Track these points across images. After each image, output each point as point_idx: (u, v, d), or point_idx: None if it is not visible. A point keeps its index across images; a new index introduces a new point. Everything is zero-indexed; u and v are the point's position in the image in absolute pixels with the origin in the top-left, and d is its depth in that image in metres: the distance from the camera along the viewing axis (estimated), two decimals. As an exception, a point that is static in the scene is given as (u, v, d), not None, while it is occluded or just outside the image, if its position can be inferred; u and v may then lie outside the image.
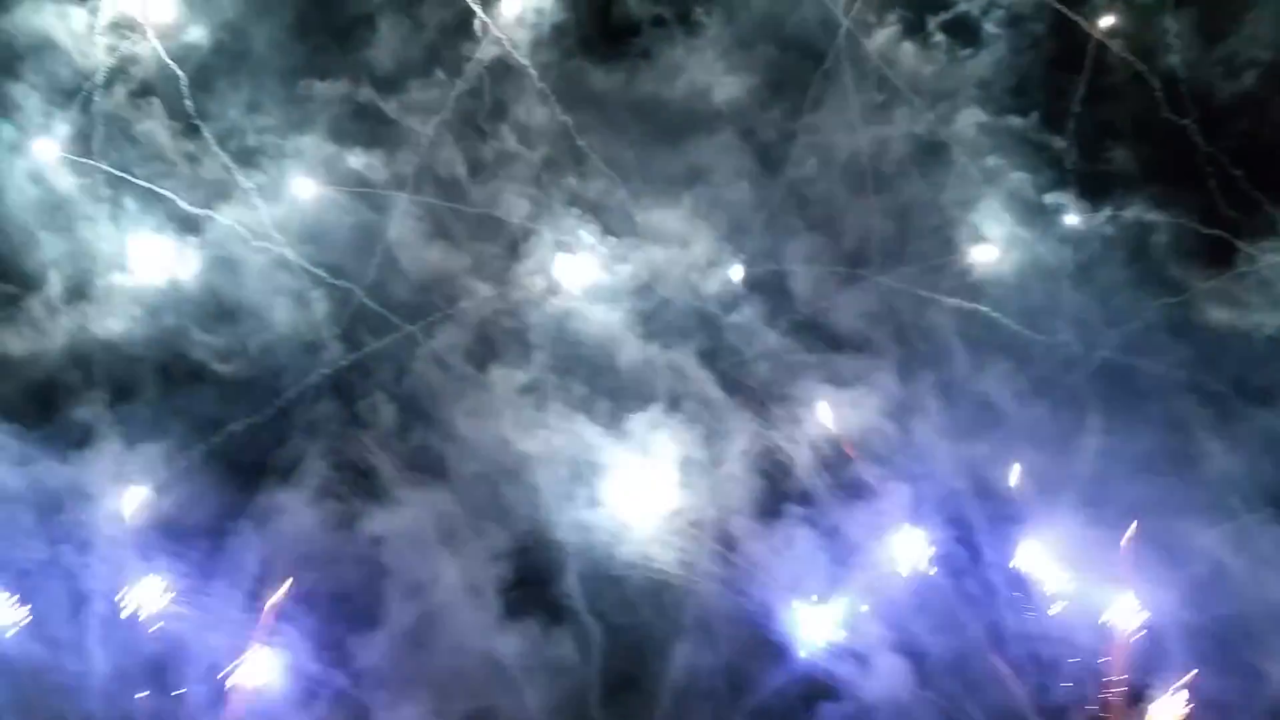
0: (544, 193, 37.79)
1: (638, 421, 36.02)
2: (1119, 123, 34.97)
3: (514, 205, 37.99)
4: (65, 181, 35.78)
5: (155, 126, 36.11)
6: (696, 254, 37.41)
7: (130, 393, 35.81)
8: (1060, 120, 35.14)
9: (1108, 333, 35.44)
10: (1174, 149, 34.07)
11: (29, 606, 33.03)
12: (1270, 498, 33.85)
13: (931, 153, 36.53)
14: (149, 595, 33.54)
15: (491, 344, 37.76)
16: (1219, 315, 34.78)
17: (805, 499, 35.62)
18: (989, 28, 35.78)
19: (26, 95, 35.31)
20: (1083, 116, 34.94)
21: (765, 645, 34.45)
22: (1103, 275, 35.32)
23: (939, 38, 35.98)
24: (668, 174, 37.33)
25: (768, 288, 37.37)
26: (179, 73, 35.75)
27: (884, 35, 36.09)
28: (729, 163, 37.14)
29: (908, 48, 36.04)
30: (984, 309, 35.61)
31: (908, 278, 36.31)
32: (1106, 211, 35.35)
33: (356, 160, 37.39)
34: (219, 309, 36.65)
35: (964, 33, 36.05)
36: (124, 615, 33.33)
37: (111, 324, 35.82)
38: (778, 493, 35.80)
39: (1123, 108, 34.92)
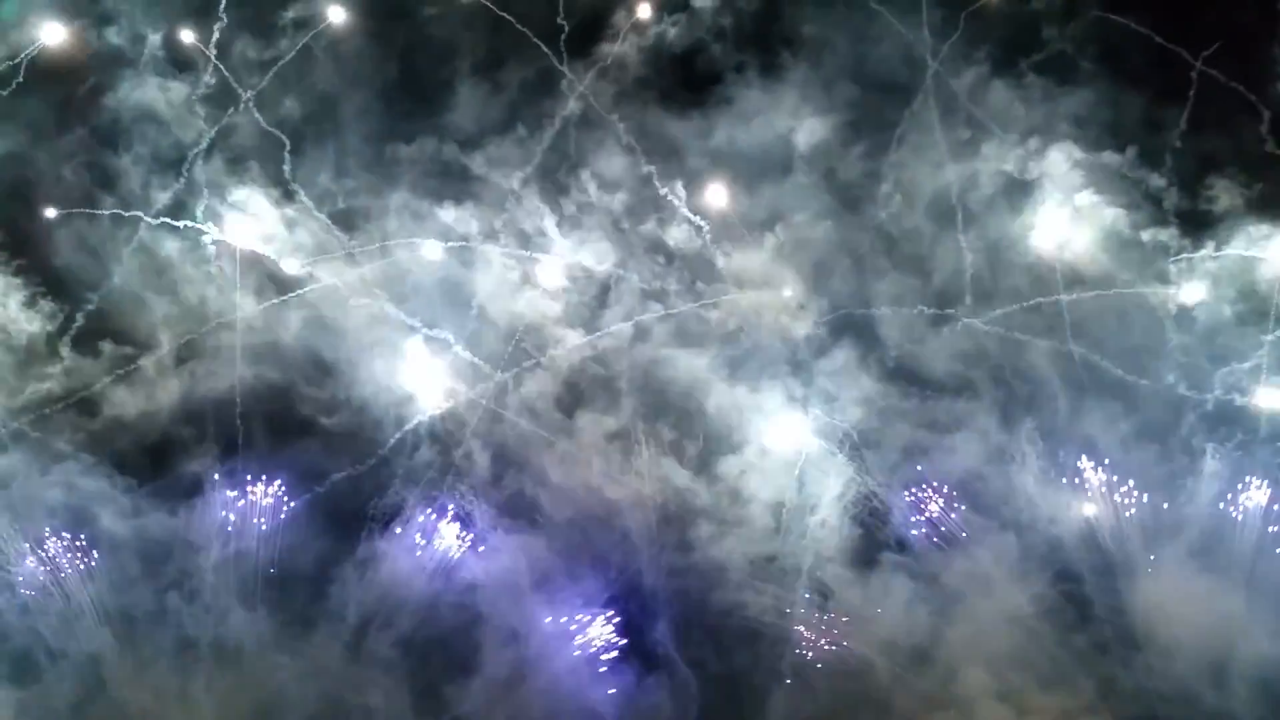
0: (628, 240, 38.16)
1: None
2: (1222, 155, 33.52)
3: (601, 253, 38.52)
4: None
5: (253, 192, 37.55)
6: (785, 297, 37.27)
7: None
8: (1160, 154, 33.95)
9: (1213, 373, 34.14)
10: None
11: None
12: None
13: (1024, 191, 35.56)
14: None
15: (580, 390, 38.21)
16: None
17: (902, 547, 35.07)
18: (1085, 64, 34.83)
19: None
20: (1183, 150, 33.71)
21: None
22: (1204, 313, 34.00)
23: (1030, 77, 35.08)
24: (753, 218, 37.32)
25: (857, 329, 36.91)
26: (282, 138, 37.10)
27: (974, 74, 35.44)
28: (814, 204, 36.88)
29: (998, 85, 35.24)
30: (1080, 350, 34.63)
31: (1001, 320, 35.48)
32: (1208, 249, 34.06)
33: (447, 215, 38.18)
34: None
35: (1059, 69, 35.13)
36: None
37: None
38: (874, 541, 35.46)
39: (1227, 139, 33.53)
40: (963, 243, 35.47)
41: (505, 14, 36.48)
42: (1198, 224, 33.78)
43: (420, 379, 37.82)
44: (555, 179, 37.98)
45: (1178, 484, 33.87)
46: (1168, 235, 34.00)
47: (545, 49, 36.85)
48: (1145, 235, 34.23)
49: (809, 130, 36.55)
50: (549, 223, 38.17)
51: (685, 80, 37.06)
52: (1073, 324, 34.32)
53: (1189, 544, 33.68)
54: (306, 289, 37.76)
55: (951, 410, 35.55)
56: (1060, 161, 34.49)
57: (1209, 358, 33.99)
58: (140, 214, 36.69)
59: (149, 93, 36.45)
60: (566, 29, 36.70)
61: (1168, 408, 34.30)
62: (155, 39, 36.37)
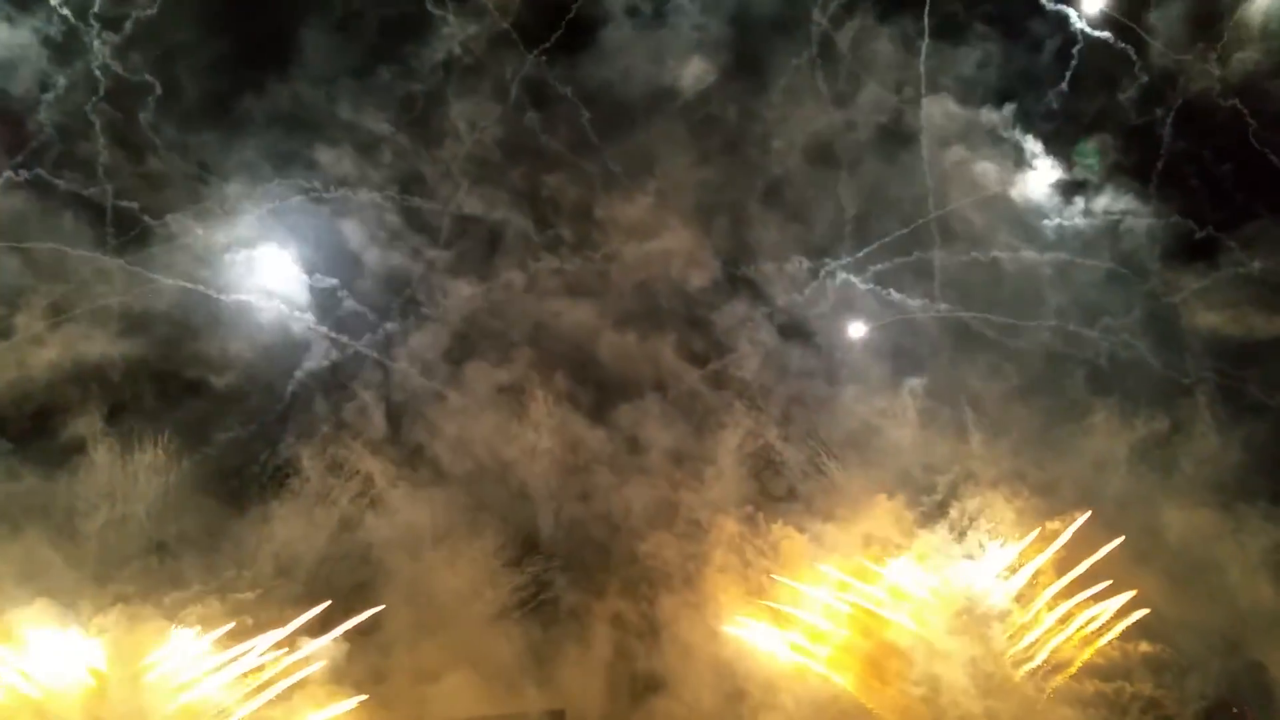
0: (513, 188, 37.50)
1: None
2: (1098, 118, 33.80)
3: (489, 203, 37.69)
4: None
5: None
6: (674, 247, 37.16)
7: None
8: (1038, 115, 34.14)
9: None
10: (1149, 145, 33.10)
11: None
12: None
13: (902, 143, 35.60)
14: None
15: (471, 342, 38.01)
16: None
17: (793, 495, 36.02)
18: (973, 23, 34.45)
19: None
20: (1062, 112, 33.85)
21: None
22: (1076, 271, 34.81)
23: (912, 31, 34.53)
24: (638, 167, 36.82)
25: (746, 281, 37.25)
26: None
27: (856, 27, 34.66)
28: (700, 153, 36.59)
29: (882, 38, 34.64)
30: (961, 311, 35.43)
31: (875, 277, 35.90)
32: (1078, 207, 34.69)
33: (323, 157, 37.00)
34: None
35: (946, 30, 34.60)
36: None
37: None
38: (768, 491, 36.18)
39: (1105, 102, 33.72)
40: (842, 195, 35.51)
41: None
42: (1071, 184, 34.21)
43: (307, 328, 37.23)
44: (433, 125, 37.07)
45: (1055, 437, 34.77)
46: (1041, 194, 34.42)
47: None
48: (1015, 193, 34.71)
49: (692, 78, 35.92)
50: (429, 169, 37.30)
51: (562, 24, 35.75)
52: (946, 281, 34.95)
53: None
54: (176, 240, 36.54)
55: (835, 363, 36.21)
56: (937, 115, 34.31)
57: (1083, 315, 34.86)
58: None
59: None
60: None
61: (1046, 363, 35.20)
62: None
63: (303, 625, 33.28)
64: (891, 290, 35.13)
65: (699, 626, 34.51)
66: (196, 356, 36.67)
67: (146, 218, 36.67)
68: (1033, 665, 33.35)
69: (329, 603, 33.63)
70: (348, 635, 33.34)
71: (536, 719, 34.13)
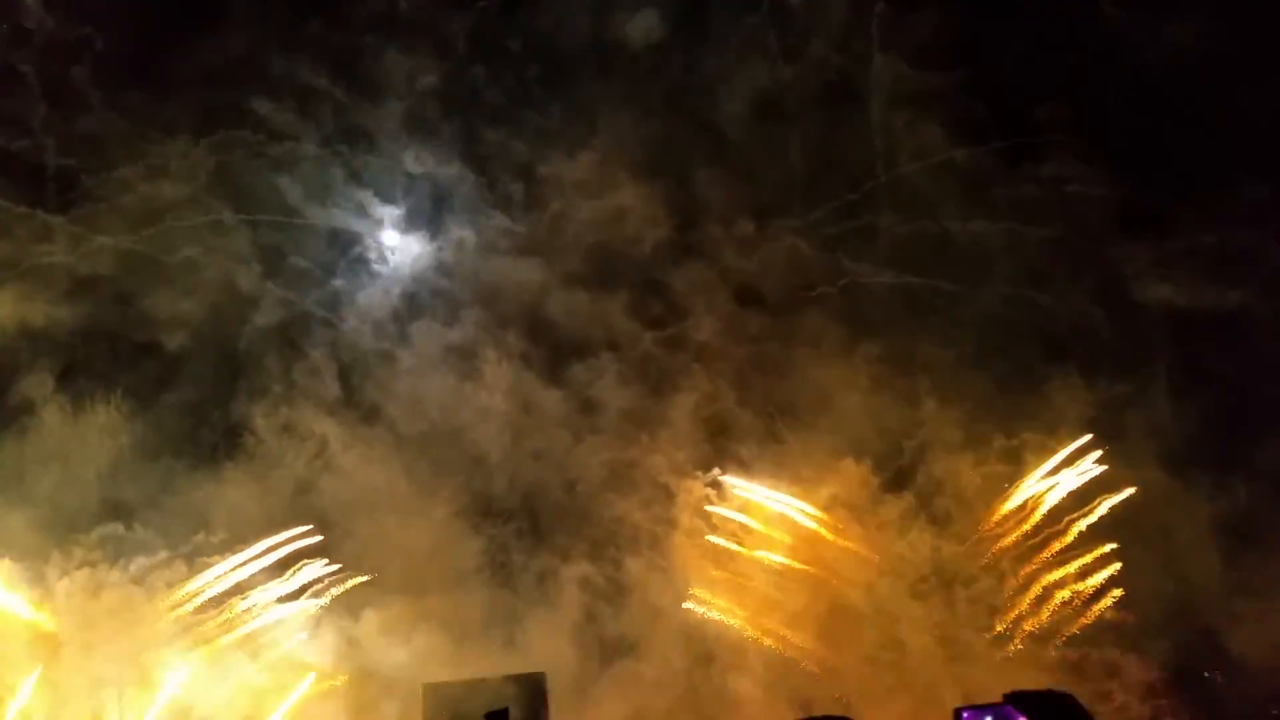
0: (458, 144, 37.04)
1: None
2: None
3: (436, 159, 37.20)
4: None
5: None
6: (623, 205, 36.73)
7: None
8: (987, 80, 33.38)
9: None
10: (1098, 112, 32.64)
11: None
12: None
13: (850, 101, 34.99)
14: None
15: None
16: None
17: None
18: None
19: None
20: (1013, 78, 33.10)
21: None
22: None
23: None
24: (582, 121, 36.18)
25: (696, 242, 36.88)
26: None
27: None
28: (645, 109, 35.96)
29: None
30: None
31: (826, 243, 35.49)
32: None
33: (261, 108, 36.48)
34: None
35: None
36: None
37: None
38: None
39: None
40: (790, 154, 35.03)
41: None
42: (1018, 150, 33.75)
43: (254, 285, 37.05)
44: (373, 79, 36.46)
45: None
46: (987, 159, 34.05)
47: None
48: (960, 156, 34.27)
49: (640, 32, 35.22)
50: (373, 125, 36.71)
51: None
52: (894, 247, 34.64)
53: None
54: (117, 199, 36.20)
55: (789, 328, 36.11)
56: (888, 77, 33.82)
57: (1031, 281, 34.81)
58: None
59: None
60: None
61: (998, 330, 35.07)
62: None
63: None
64: (842, 255, 34.93)
65: (667, 591, 35.03)
66: (143, 316, 36.45)
67: (84, 177, 36.18)
68: (999, 630, 34.01)
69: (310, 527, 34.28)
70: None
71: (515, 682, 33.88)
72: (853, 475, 34.80)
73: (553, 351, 37.40)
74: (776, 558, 34.89)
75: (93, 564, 33.92)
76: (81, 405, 36.14)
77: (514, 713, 29.88)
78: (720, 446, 35.86)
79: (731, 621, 34.69)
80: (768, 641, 34.52)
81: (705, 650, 34.86)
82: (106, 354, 36.71)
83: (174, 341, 36.45)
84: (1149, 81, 32.01)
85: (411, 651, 34.49)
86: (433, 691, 33.23)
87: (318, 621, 34.90)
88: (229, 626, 34.26)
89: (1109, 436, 33.92)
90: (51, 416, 35.69)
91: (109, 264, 36.39)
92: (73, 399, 35.99)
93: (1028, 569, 34.17)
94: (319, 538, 34.86)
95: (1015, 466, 34.70)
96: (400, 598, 34.99)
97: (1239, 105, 31.73)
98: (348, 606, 35.07)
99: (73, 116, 35.78)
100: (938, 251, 34.84)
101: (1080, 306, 34.16)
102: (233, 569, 34.35)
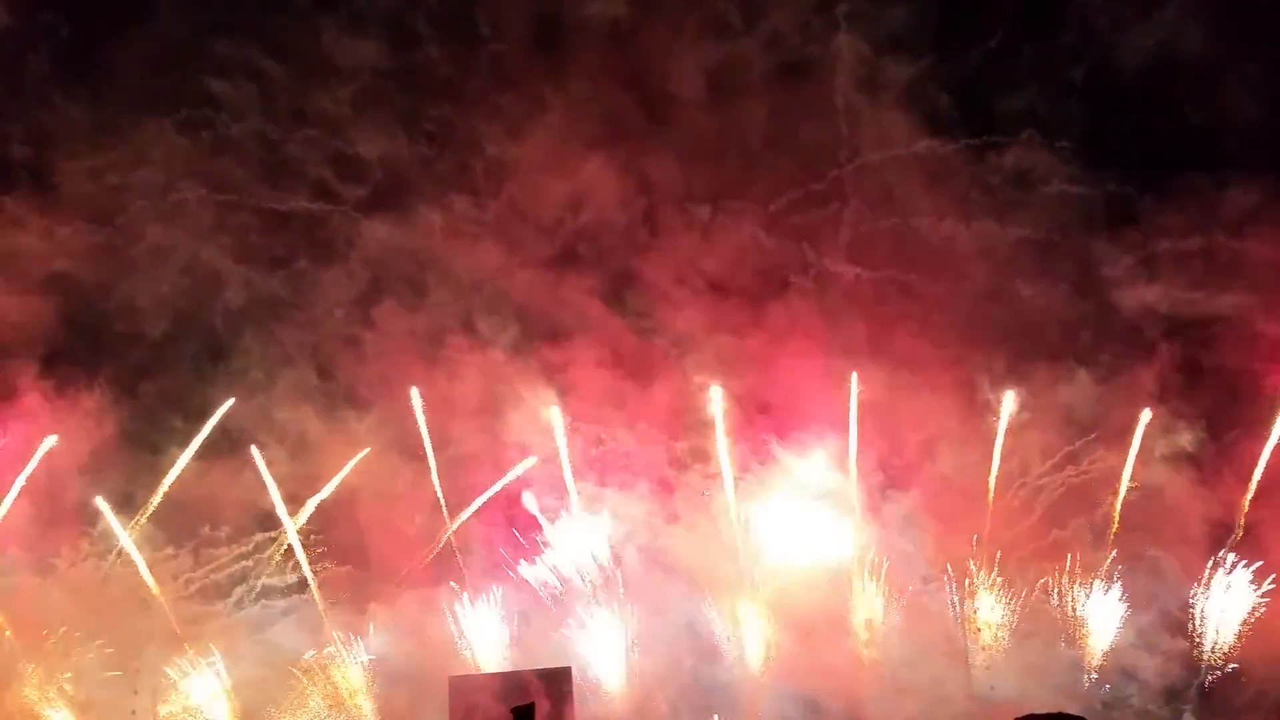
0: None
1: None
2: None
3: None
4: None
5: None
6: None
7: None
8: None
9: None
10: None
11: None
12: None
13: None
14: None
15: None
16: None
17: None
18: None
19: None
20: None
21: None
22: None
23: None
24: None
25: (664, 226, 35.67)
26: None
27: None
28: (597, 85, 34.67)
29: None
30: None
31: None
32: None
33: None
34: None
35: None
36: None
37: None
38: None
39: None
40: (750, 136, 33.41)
41: None
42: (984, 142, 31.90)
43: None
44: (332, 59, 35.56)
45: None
46: (952, 150, 32.21)
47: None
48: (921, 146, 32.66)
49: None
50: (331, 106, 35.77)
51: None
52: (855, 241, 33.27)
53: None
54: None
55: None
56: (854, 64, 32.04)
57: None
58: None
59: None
60: None
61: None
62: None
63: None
64: (805, 244, 33.66)
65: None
66: (115, 303, 36.53)
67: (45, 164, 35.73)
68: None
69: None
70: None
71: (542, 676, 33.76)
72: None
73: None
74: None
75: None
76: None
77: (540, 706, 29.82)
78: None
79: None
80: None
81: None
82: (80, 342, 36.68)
83: (141, 327, 36.59)
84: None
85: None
86: (458, 684, 33.53)
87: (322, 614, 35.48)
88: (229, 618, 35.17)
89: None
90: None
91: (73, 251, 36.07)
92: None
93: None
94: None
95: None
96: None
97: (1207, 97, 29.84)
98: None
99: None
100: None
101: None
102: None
